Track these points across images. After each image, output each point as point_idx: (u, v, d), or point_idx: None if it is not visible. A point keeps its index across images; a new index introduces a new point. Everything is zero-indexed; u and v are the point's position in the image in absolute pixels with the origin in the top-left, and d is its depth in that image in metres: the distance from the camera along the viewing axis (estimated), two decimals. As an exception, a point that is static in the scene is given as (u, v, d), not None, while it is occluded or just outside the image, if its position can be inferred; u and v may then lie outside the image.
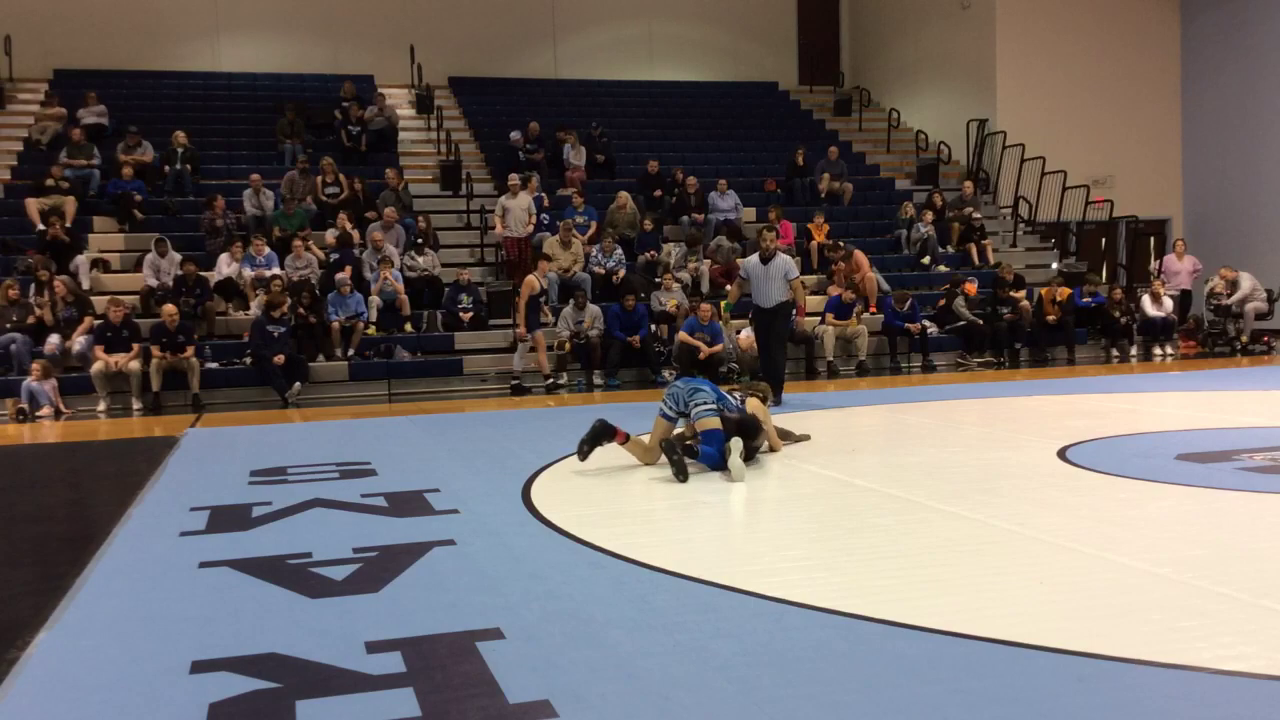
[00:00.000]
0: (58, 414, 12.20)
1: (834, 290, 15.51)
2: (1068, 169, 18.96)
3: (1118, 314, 16.08)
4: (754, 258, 10.64)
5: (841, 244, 16.39)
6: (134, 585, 4.59)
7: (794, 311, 10.71)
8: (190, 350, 12.86)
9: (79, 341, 13.00)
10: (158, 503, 6.51)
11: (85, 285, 14.22)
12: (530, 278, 13.36)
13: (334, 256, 14.80)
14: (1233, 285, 16.71)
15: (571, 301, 14.33)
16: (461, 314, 14.77)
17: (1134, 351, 16.20)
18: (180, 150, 16.94)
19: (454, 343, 14.59)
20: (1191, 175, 21.33)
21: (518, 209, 15.72)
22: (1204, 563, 4.31)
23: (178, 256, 14.43)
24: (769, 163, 20.08)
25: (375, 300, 14.34)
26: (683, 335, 13.79)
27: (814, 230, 17.18)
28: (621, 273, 15.46)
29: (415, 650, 3.51)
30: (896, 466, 7.06)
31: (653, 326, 14.49)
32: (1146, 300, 16.28)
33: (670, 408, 7.14)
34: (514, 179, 16.08)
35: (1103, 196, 19.34)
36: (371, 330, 14.15)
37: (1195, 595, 3.89)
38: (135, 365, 12.63)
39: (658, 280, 15.46)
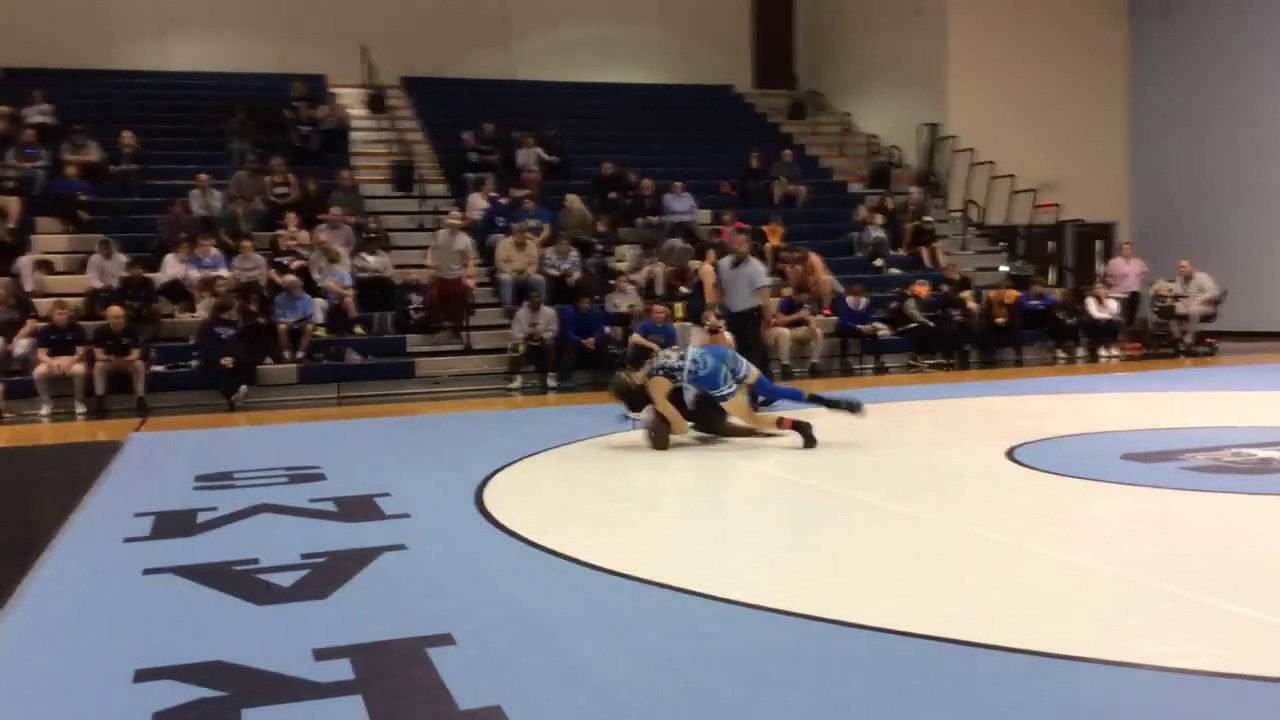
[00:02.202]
0: (-1, 418, 11.97)
1: (787, 292, 15.59)
2: (1017, 173, 19.18)
3: (1064, 316, 16.29)
4: (726, 260, 10.49)
5: (797, 247, 16.47)
6: (76, 593, 4.51)
7: (761, 320, 10.61)
8: (135, 353, 12.65)
9: (21, 344, 12.74)
10: (101, 508, 6.40)
11: (28, 287, 13.95)
12: (708, 266, 13.50)
13: (289, 260, 14.62)
14: (1187, 280, 16.92)
15: (526, 303, 14.28)
16: (413, 314, 14.65)
17: (1080, 353, 16.42)
18: (127, 150, 16.67)
19: (405, 345, 14.48)
20: (1138, 180, 21.68)
21: (450, 249, 14.69)
22: (1149, 561, 4.37)
23: (123, 258, 14.20)
24: (723, 165, 20.12)
25: (321, 302, 14.18)
26: (636, 338, 13.78)
27: (769, 233, 17.24)
28: (576, 275, 15.43)
29: (365, 657, 3.48)
30: (848, 467, 7.10)
31: (607, 329, 14.48)
32: (1091, 302, 16.50)
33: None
34: (454, 216, 15.33)
35: (1051, 200, 19.60)
36: (321, 332, 13.99)
37: (1141, 593, 3.95)
38: (79, 368, 12.40)
39: (612, 283, 15.44)
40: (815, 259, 16.14)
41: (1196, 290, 16.74)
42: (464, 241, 14.90)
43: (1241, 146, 19.51)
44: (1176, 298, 16.79)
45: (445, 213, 16.61)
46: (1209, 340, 16.72)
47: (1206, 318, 16.77)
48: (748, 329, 10.53)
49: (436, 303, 14.60)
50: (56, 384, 12.44)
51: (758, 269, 10.24)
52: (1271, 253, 18.98)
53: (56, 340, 12.54)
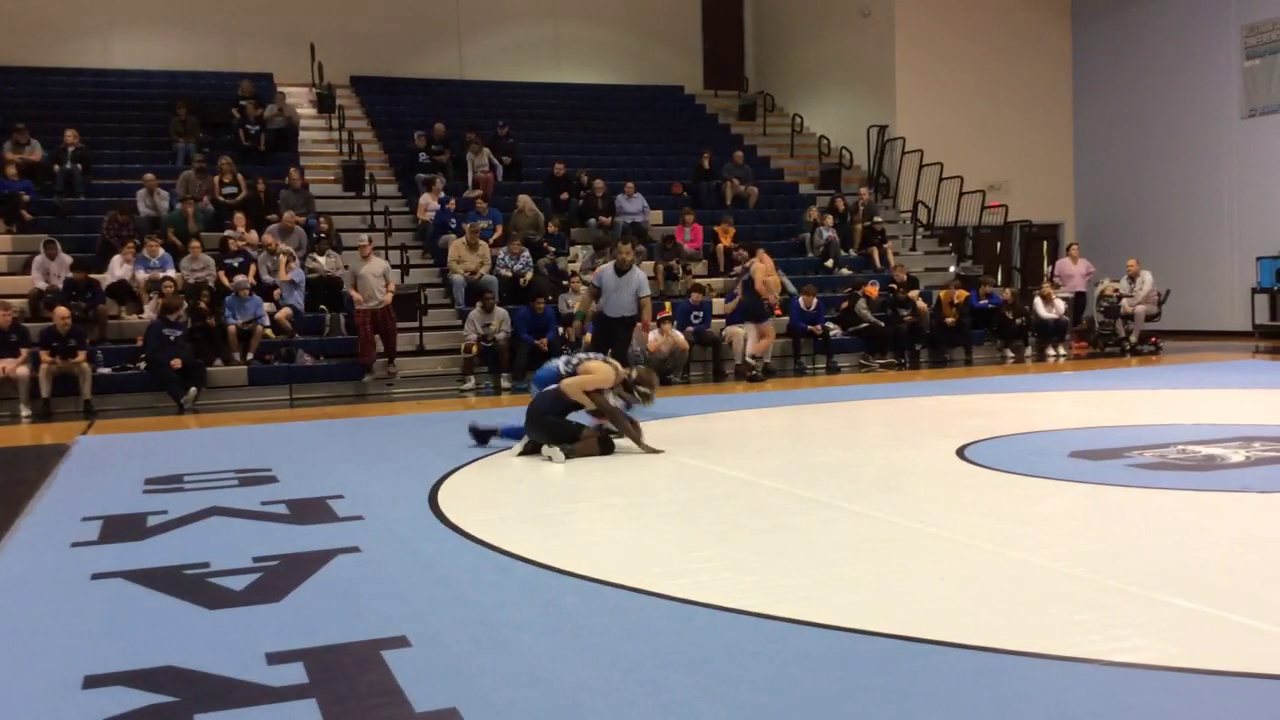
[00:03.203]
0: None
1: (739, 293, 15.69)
2: (964, 174, 19.40)
3: (1012, 316, 16.50)
4: (609, 268, 10.74)
5: (745, 248, 16.54)
6: (23, 598, 4.44)
7: (638, 325, 10.84)
8: (82, 355, 12.44)
9: (-37, 346, 12.50)
10: (48, 513, 6.30)
11: (-31, 288, 13.69)
12: (759, 263, 14.02)
13: (238, 260, 14.45)
14: (1133, 279, 17.19)
15: (479, 304, 14.22)
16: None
17: (1028, 352, 16.64)
18: (70, 149, 16.38)
19: (357, 346, 14.34)
20: (1083, 180, 22.02)
21: (371, 275, 13.64)
22: (1097, 557, 4.44)
23: (68, 259, 13.95)
24: (675, 166, 20.18)
25: (269, 307, 14.00)
26: (589, 338, 13.76)
27: (721, 234, 17.32)
28: (529, 275, 15.38)
29: (318, 660, 3.45)
30: (803, 466, 7.14)
31: (560, 329, 14.45)
32: (1039, 302, 16.72)
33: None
34: (365, 243, 14.11)
35: (998, 201, 19.85)
36: (269, 333, 13.81)
37: (1090, 589, 4.01)
38: (23, 371, 12.18)
39: (565, 283, 15.42)
40: (764, 257, 16.20)
41: (1141, 287, 17.03)
42: (381, 265, 13.99)
43: (1183, 147, 19.89)
44: (1121, 296, 17.06)
45: (395, 213, 16.50)
46: (1154, 339, 17.01)
47: (1151, 317, 17.06)
48: (622, 334, 10.77)
49: (371, 337, 13.67)
50: (0, 386, 12.20)
51: (642, 278, 10.56)
52: (1213, 252, 19.37)
53: (0, 342, 12.31)
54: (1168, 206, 20.15)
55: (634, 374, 8.01)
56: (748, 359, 14.19)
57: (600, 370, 7.81)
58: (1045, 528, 5.07)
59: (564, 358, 8.24)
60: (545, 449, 7.54)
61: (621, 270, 10.47)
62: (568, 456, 7.46)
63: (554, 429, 7.64)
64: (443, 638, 3.65)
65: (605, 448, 7.68)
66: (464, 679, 3.26)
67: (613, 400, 7.88)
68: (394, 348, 13.97)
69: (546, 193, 17.97)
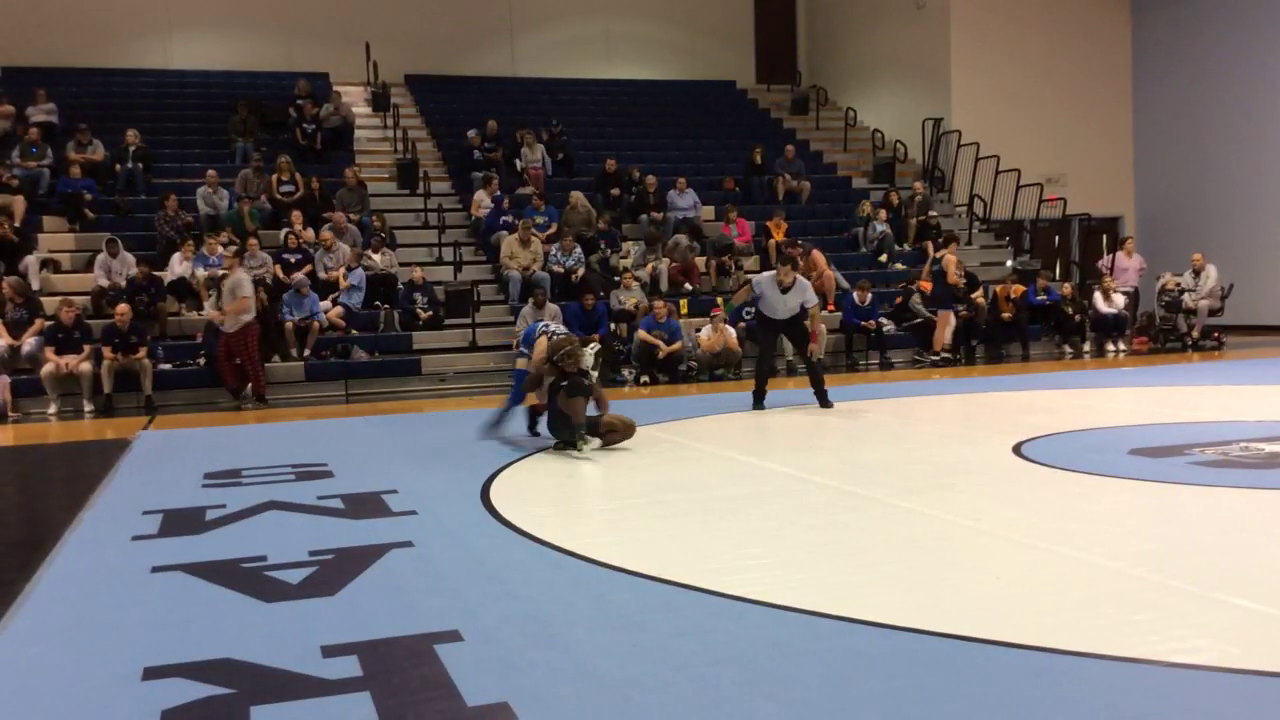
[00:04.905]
0: (4, 416, 11.98)
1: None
2: (1022, 167, 19.15)
3: (1071, 311, 16.27)
4: (770, 279, 10.48)
5: (799, 242, 16.45)
6: (85, 590, 4.52)
7: (808, 332, 10.80)
8: (143, 351, 12.67)
9: (29, 343, 12.77)
10: (109, 506, 6.42)
11: (35, 286, 13.97)
12: (950, 255, 14.77)
13: (296, 257, 14.65)
14: (1197, 273, 16.90)
15: (530, 300, 14.27)
16: (420, 313, 14.67)
17: (1087, 348, 16.39)
18: (132, 149, 16.69)
19: (412, 342, 14.50)
20: (1143, 173, 21.63)
21: (230, 294, 12.30)
22: (1157, 556, 4.36)
23: (130, 257, 14.22)
24: (727, 161, 20.12)
25: (326, 305, 14.16)
26: (643, 334, 13.79)
27: (773, 229, 17.23)
28: (580, 271, 15.42)
29: (372, 654, 3.48)
30: (854, 463, 7.10)
31: (612, 325, 14.47)
32: (1098, 297, 16.46)
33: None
34: (229, 258, 12.90)
35: (1056, 194, 19.56)
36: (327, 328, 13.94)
37: (1148, 589, 3.94)
38: (86, 367, 12.43)
39: (617, 279, 15.44)
40: (817, 254, 16.13)
41: (1206, 282, 16.74)
42: (234, 278, 12.40)
43: (1246, 138, 19.48)
44: (1183, 291, 16.75)
45: (449, 210, 16.60)
46: (1216, 334, 16.67)
47: (1214, 311, 16.72)
48: (787, 333, 10.94)
49: (222, 352, 12.48)
50: (64, 382, 12.47)
51: (807, 289, 10.56)
52: (1278, 245, 18.94)
53: (64, 339, 12.57)
54: (1231, 199, 19.74)
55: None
56: (941, 351, 14.96)
57: (539, 345, 8.11)
58: (1103, 526, 5.00)
59: (543, 322, 8.81)
60: (576, 448, 7.56)
61: (785, 289, 10.42)
62: (582, 436, 7.58)
63: (565, 420, 7.71)
64: (494, 632, 3.67)
65: (572, 390, 7.60)
66: (515, 673, 3.27)
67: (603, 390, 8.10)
68: (254, 375, 12.57)
69: (598, 189, 18.01)
